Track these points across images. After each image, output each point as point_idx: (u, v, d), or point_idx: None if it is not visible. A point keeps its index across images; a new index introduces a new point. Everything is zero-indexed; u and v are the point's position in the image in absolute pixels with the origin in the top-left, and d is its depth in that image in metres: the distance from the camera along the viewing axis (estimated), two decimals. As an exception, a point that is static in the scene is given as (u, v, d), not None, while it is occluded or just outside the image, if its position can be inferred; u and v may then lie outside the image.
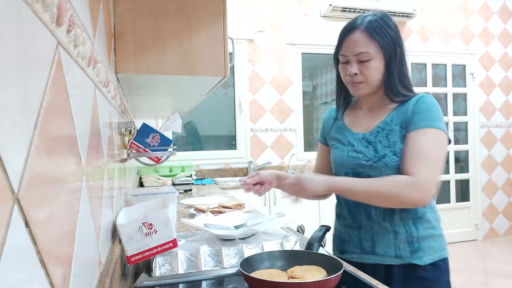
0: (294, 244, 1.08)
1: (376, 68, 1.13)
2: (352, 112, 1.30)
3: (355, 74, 1.14)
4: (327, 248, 1.15)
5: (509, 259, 4.01)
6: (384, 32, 1.12)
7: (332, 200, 1.38)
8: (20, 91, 0.34)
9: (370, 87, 1.16)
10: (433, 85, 4.71)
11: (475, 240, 4.73)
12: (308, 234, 1.20)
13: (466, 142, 4.87)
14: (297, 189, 1.13)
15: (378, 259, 1.17)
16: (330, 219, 1.42)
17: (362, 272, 1.00)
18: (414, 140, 1.07)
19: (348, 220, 1.23)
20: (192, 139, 4.14)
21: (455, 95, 4.83)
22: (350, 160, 1.20)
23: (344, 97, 1.30)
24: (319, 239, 1.07)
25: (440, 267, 1.15)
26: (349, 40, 1.14)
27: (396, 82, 1.14)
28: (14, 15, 0.33)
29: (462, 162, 4.92)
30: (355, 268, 1.06)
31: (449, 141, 1.11)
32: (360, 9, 4.12)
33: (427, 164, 1.03)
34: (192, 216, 1.70)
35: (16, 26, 0.33)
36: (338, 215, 1.29)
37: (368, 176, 1.14)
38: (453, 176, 4.77)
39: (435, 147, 1.06)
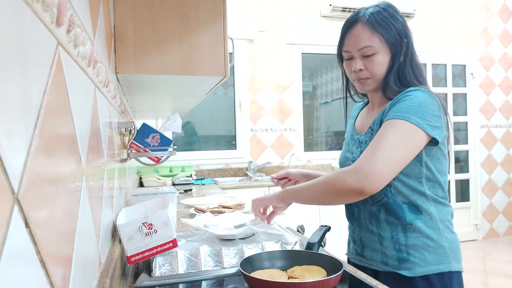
0: (294, 244, 1.08)
1: (381, 62, 1.07)
2: (364, 111, 1.26)
3: (360, 70, 1.08)
4: (328, 248, 1.15)
5: (509, 259, 4.01)
6: (388, 23, 1.05)
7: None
8: (20, 91, 0.34)
9: (377, 83, 1.10)
10: (433, 85, 4.71)
11: (475, 240, 4.73)
12: (308, 234, 1.20)
13: (466, 142, 4.87)
14: (262, 206, 1.17)
15: (367, 262, 1.14)
16: (330, 219, 1.41)
17: (362, 272, 1.00)
18: (380, 131, 0.99)
19: (348, 221, 1.23)
20: (190, 139, 4.14)
21: (455, 95, 4.83)
22: (345, 161, 1.18)
23: (354, 92, 1.25)
24: (319, 239, 1.07)
25: (434, 283, 1.03)
26: (351, 35, 1.08)
27: (390, 79, 1.08)
28: (14, 15, 0.33)
29: (462, 162, 4.92)
30: (355, 268, 1.05)
31: (433, 138, 0.99)
32: (360, 9, 4.12)
33: (373, 152, 0.94)
34: (192, 216, 1.70)
35: (16, 26, 0.33)
36: (347, 217, 1.27)
37: None
38: (453, 176, 4.77)
39: (393, 137, 0.95)
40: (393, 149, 0.95)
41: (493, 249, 4.37)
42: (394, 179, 1.04)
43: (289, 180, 1.33)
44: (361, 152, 1.10)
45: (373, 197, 1.08)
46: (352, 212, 1.18)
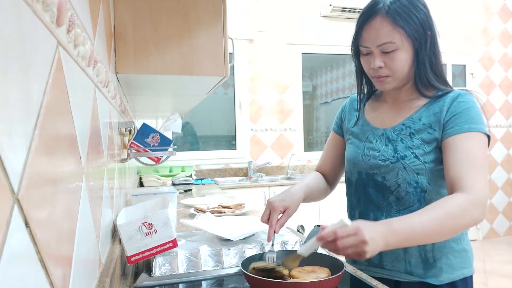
0: (294, 244, 1.08)
1: (403, 59, 0.97)
2: (375, 104, 1.15)
3: (380, 67, 0.99)
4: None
5: (509, 259, 4.01)
6: (410, 15, 0.95)
7: (331, 199, 1.37)
8: (20, 91, 0.34)
9: (397, 81, 1.01)
10: (433, 85, 4.71)
11: (475, 240, 4.73)
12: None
13: (466, 142, 4.86)
14: (355, 252, 0.79)
15: (386, 273, 1.05)
16: (330, 219, 1.38)
17: (362, 272, 1.00)
18: (461, 145, 0.93)
19: None
20: (190, 139, 4.14)
21: (455, 95, 4.82)
22: (365, 159, 1.07)
23: (368, 89, 1.16)
24: None
25: None
26: (369, 29, 0.98)
27: (428, 73, 1.00)
28: (14, 15, 0.33)
29: (462, 162, 4.91)
30: (355, 268, 1.05)
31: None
32: (360, 9, 4.11)
33: (480, 175, 0.90)
34: (192, 216, 1.70)
35: (16, 26, 0.33)
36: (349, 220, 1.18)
37: (383, 178, 1.03)
38: (453, 176, 4.76)
39: (483, 154, 0.94)
40: (485, 167, 0.93)
41: (493, 249, 4.37)
42: (429, 184, 0.99)
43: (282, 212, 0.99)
44: (394, 150, 1.02)
45: (403, 204, 1.01)
46: (368, 218, 1.07)
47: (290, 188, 1.07)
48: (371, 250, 0.78)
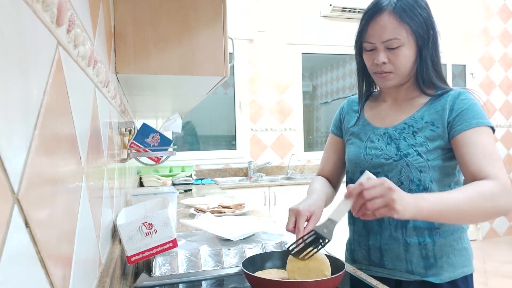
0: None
1: (407, 56, 0.99)
2: (374, 104, 1.16)
3: (384, 63, 1.00)
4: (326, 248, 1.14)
5: (509, 259, 4.01)
6: (415, 13, 0.97)
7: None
8: (20, 91, 0.34)
9: (400, 78, 1.03)
10: (433, 85, 4.71)
11: (475, 240, 4.73)
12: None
13: (466, 142, 4.86)
14: (383, 201, 0.76)
15: (387, 273, 1.05)
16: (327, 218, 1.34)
17: (361, 272, 1.00)
18: (475, 140, 0.94)
19: (359, 226, 1.12)
20: (191, 139, 4.14)
21: (455, 95, 4.82)
22: (367, 158, 1.08)
23: (366, 88, 1.17)
24: None
25: (460, 287, 1.03)
26: (375, 25, 0.99)
27: (429, 71, 1.02)
28: (14, 15, 0.33)
29: (462, 162, 4.91)
30: (355, 268, 1.05)
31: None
32: (360, 9, 4.12)
33: (500, 166, 0.92)
34: (192, 216, 1.70)
35: (16, 26, 0.33)
36: (351, 220, 1.17)
37: (386, 177, 0.96)
38: (453, 176, 4.76)
39: (495, 146, 0.96)
40: (500, 158, 0.95)
41: (493, 249, 4.37)
42: (432, 182, 1.00)
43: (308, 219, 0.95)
44: (397, 148, 1.03)
45: None
46: (371, 222, 1.07)
47: (309, 196, 1.04)
48: (400, 202, 0.76)
